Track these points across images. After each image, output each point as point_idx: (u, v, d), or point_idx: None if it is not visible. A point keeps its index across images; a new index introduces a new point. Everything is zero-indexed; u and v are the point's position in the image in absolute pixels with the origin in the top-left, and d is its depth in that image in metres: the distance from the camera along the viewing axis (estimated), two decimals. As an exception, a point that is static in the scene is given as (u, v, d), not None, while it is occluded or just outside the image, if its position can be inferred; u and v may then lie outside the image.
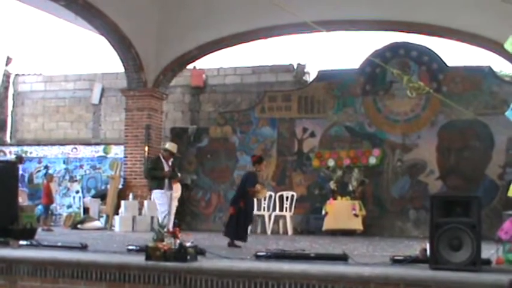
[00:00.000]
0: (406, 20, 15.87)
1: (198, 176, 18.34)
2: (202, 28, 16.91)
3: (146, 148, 17.52)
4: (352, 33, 18.04)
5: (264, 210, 16.61)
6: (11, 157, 19.65)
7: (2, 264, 8.10)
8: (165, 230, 7.86)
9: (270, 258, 8.00)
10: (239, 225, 10.96)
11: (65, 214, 19.12)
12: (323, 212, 16.19)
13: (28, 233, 10.42)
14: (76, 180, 20.03)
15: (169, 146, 13.41)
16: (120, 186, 17.70)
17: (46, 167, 20.21)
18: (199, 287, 7.08)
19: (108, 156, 19.86)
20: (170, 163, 13.12)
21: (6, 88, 22.18)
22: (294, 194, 16.83)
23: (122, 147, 18.47)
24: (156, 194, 12.54)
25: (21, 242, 9.41)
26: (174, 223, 13.49)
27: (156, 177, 12.58)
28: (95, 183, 19.94)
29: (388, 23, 16.19)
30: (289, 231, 16.28)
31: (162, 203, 12.30)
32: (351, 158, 16.75)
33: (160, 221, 11.40)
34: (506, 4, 8.32)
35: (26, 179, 20.22)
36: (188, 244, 7.55)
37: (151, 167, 12.97)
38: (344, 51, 31.37)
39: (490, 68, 16.49)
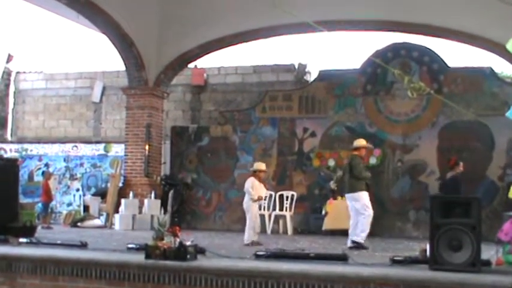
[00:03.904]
0: (406, 21, 15.87)
1: (199, 175, 18.34)
2: (204, 27, 16.92)
3: (147, 147, 17.53)
4: (353, 33, 18.04)
5: (264, 209, 16.58)
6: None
7: (2, 261, 8.11)
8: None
9: (269, 258, 8.01)
10: None
11: (64, 212, 19.12)
12: (323, 212, 16.19)
13: (28, 231, 10.44)
14: (76, 178, 20.02)
15: (364, 142, 12.30)
16: (121, 185, 17.70)
17: (46, 165, 20.21)
18: (198, 286, 7.08)
19: (109, 154, 19.86)
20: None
21: (7, 85, 22.20)
22: (294, 193, 16.82)
23: (122, 146, 18.47)
24: (365, 195, 11.51)
25: (21, 240, 9.43)
26: None
27: (365, 178, 11.65)
28: (95, 181, 19.94)
29: (388, 24, 16.19)
30: (289, 231, 16.27)
31: (370, 206, 11.48)
32: (351, 158, 16.73)
33: (366, 224, 11.18)
34: (506, 5, 8.32)
35: (26, 177, 20.21)
36: (188, 243, 7.56)
37: (364, 167, 11.84)
38: (345, 51, 31.41)
39: (491, 69, 16.49)
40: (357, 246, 10.87)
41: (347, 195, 11.65)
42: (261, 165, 12.64)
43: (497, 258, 7.51)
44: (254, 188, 12.21)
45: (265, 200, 16.43)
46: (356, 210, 11.43)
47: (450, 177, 12.93)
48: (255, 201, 12.13)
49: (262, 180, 12.58)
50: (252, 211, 12.17)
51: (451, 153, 16.10)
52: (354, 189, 11.49)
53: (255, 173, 12.45)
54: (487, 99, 16.11)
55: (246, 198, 12.27)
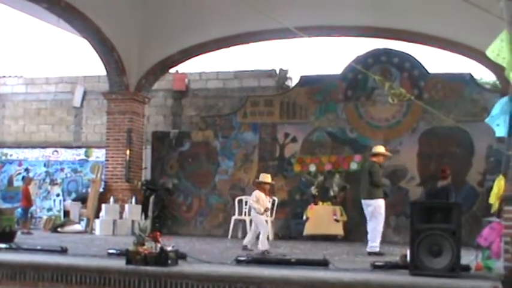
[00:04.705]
0: (387, 27, 15.93)
1: (180, 180, 18.30)
2: (185, 32, 16.90)
3: (128, 152, 17.44)
4: (335, 39, 18.08)
5: (244, 215, 16.56)
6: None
7: (-19, 267, 8.05)
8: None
9: (250, 263, 8.02)
10: None
11: (45, 217, 18.99)
12: (304, 217, 16.20)
13: (7, 236, 10.37)
14: (57, 183, 19.91)
15: (383, 149, 12.17)
16: (101, 190, 17.60)
17: (26, 170, 20.08)
18: (179, 292, 7.07)
19: (89, 159, 19.79)
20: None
21: (-13, 90, 22.03)
22: (275, 199, 16.80)
23: (103, 151, 18.38)
24: (381, 202, 11.41)
25: (0, 245, 9.36)
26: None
27: (383, 186, 11.67)
28: (75, 186, 19.84)
29: (369, 29, 16.24)
30: (270, 236, 16.23)
31: (383, 213, 11.41)
32: (332, 164, 16.76)
33: (376, 231, 11.20)
34: (486, 12, 8.40)
35: (6, 182, 20.08)
36: (169, 248, 7.55)
37: (380, 175, 11.65)
38: (326, 57, 31.49)
39: (470, 76, 16.61)
40: (376, 254, 10.90)
41: (364, 201, 11.61)
42: (266, 177, 12.39)
43: (477, 263, 7.56)
44: (260, 200, 11.93)
45: (246, 204, 16.49)
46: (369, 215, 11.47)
47: (441, 187, 12.89)
48: (261, 214, 11.91)
49: (267, 192, 12.36)
50: (259, 222, 11.92)
51: (431, 159, 16.22)
52: (371, 196, 11.47)
53: (260, 185, 12.21)
54: (467, 106, 16.23)
55: (253, 212, 12.08)
